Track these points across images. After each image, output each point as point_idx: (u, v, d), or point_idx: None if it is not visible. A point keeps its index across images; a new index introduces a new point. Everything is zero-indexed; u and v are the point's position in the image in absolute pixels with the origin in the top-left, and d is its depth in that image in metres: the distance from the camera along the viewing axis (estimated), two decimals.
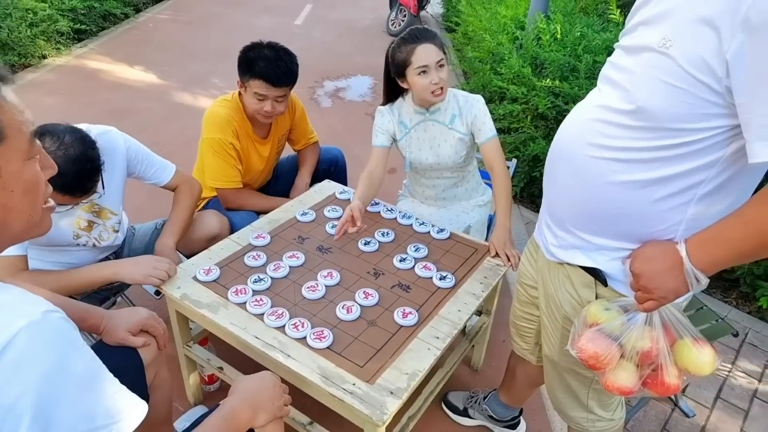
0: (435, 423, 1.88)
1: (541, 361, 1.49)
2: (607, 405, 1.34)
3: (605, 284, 1.12)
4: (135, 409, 0.80)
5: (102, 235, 1.76)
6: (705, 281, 0.93)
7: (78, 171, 1.44)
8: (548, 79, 3.11)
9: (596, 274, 1.12)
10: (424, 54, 1.75)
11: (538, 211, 3.22)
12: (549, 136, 3.12)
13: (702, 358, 1.02)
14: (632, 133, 0.96)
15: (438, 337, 1.45)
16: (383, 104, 2.00)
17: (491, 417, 1.82)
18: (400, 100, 1.97)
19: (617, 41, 1.08)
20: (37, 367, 0.67)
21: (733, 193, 0.97)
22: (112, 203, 1.76)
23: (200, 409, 1.81)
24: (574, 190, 1.09)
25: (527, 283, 1.43)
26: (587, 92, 3.28)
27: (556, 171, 1.15)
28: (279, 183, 2.41)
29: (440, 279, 1.65)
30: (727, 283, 2.66)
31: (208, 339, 1.86)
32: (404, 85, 1.86)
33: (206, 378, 1.89)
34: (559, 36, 3.49)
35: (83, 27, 5.67)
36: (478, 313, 1.97)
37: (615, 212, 1.03)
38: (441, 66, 1.78)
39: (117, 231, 1.81)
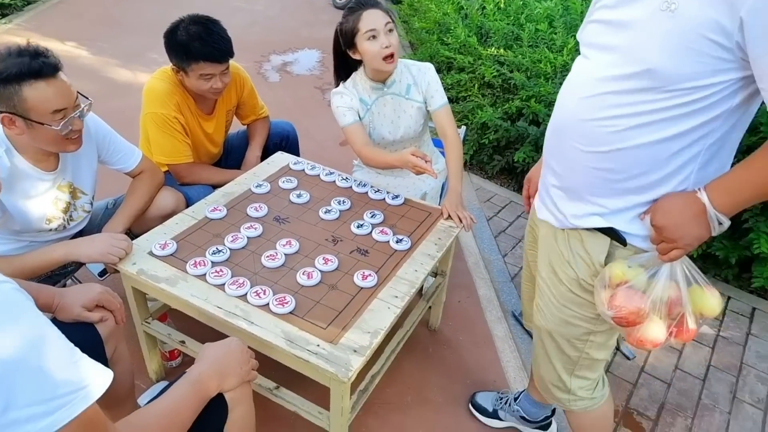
0: (461, 425, 1.83)
1: None
2: (588, 381, 1.36)
3: (625, 244, 1.14)
4: (99, 377, 0.80)
5: (73, 215, 1.71)
6: (727, 223, 0.98)
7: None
8: (493, 48, 3.18)
9: (614, 235, 1.14)
10: (371, 18, 1.76)
11: (487, 177, 3.36)
12: (495, 104, 3.21)
13: (713, 301, 1.09)
14: (643, 96, 0.98)
15: (397, 297, 1.51)
16: (336, 85, 1.99)
17: (523, 418, 1.77)
18: (353, 79, 1.96)
19: (596, 4, 1.10)
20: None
21: (734, 139, 1.03)
22: (84, 183, 1.71)
23: (163, 384, 1.81)
24: (589, 161, 1.10)
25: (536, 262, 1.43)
26: (530, 60, 3.39)
27: (565, 146, 1.16)
28: (230, 158, 2.37)
29: (397, 242, 1.70)
30: None
31: (167, 315, 1.85)
32: (356, 56, 1.85)
33: (167, 354, 1.88)
34: (502, 5, 3.56)
35: (7, 1, 5.29)
36: (434, 274, 2.04)
37: (633, 173, 1.06)
38: (390, 30, 1.79)
39: (88, 211, 1.76)
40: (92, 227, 1.86)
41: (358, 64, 1.92)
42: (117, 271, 1.67)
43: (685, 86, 0.94)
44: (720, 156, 1.04)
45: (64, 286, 1.94)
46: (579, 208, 1.18)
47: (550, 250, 1.29)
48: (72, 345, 0.79)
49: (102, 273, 1.75)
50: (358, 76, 1.95)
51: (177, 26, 1.86)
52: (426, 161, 1.70)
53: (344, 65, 1.95)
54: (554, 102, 3.06)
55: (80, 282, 2.03)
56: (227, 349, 1.15)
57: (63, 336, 0.78)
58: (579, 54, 1.19)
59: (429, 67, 1.94)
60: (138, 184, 1.83)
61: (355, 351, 1.33)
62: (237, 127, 2.42)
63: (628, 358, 2.15)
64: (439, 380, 1.99)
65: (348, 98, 1.93)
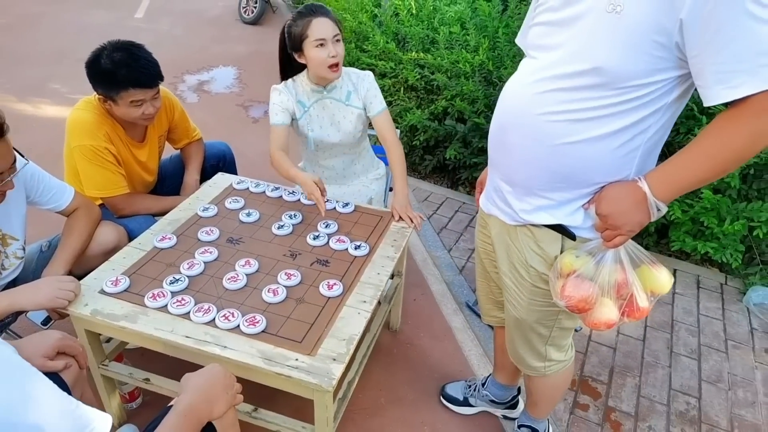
0: (436, 417, 1.89)
1: None
2: (562, 348, 1.46)
3: (573, 238, 1.21)
4: (98, 420, 0.78)
5: (4, 263, 1.58)
6: (665, 209, 1.05)
7: None
8: (413, 52, 3.29)
9: (561, 229, 1.21)
10: (321, 27, 1.78)
11: (421, 178, 3.46)
12: (421, 106, 3.32)
13: (662, 278, 1.16)
14: (591, 92, 1.04)
15: (365, 301, 1.54)
16: (279, 83, 1.99)
17: (492, 401, 1.86)
18: (294, 79, 1.97)
19: (537, 7, 1.16)
20: None
21: (667, 130, 1.11)
22: (13, 227, 1.59)
23: (128, 428, 1.72)
24: (535, 157, 1.16)
25: (492, 261, 1.48)
26: (448, 61, 3.53)
27: (510, 142, 1.20)
28: (165, 185, 2.28)
29: (355, 248, 1.73)
30: None
31: (123, 355, 1.76)
32: (302, 60, 1.86)
33: (126, 396, 1.78)
34: (414, 11, 3.68)
35: None
36: (391, 276, 2.08)
37: (578, 167, 1.12)
38: (337, 41, 1.82)
39: (20, 258, 1.63)
40: (27, 274, 1.73)
41: (302, 66, 1.92)
42: (63, 317, 1.57)
43: (629, 83, 1.00)
44: (657, 148, 1.13)
45: None
46: (527, 203, 1.23)
47: (507, 248, 1.34)
48: (63, 392, 0.76)
49: (45, 321, 1.63)
50: (299, 78, 1.96)
51: (99, 54, 1.77)
52: (323, 194, 1.77)
53: (288, 65, 1.95)
54: (477, 99, 3.20)
55: (18, 336, 1.89)
56: (211, 375, 1.13)
57: (53, 384, 0.74)
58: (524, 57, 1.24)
59: (368, 75, 1.99)
60: (74, 222, 1.73)
61: (334, 359, 1.34)
62: (168, 152, 2.34)
63: (576, 330, 2.31)
64: (408, 378, 2.03)
65: (285, 97, 1.93)
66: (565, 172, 1.14)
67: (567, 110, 1.08)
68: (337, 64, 1.83)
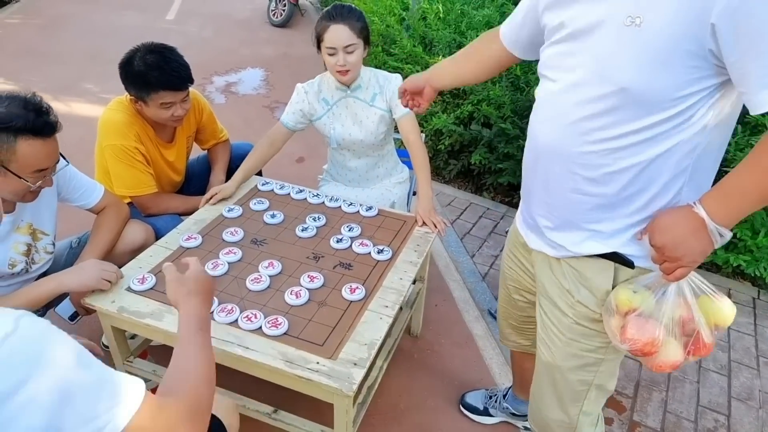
0: (455, 425, 1.87)
1: None
2: (591, 414, 1.30)
3: (632, 266, 1.08)
4: (132, 384, 0.80)
5: (34, 257, 1.63)
6: (729, 235, 0.93)
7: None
8: (440, 56, 3.28)
9: (619, 258, 1.09)
10: (334, 35, 1.80)
11: (445, 182, 3.44)
12: (447, 110, 3.30)
13: (725, 309, 1.04)
14: (621, 116, 0.95)
15: (387, 306, 1.53)
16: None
17: (513, 414, 1.83)
18: (321, 77, 2.01)
19: (547, 21, 1.06)
20: (34, 364, 0.69)
21: (720, 143, 1.00)
22: (44, 223, 1.64)
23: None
24: (580, 188, 1.06)
25: (521, 288, 1.41)
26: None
27: (548, 173, 1.11)
28: (192, 185, 2.32)
29: (378, 253, 1.72)
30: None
31: (148, 351, 1.79)
32: (323, 58, 1.91)
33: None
34: (442, 15, 3.67)
35: None
36: (413, 281, 2.07)
37: (625, 194, 1.02)
38: (350, 52, 1.83)
39: (50, 253, 1.68)
40: (56, 269, 1.77)
41: None
42: (89, 313, 1.60)
43: (663, 100, 0.91)
44: (708, 164, 1.02)
45: None
46: (575, 236, 1.12)
47: (547, 281, 1.23)
48: (97, 360, 0.79)
49: (73, 317, 1.66)
50: (326, 76, 2.00)
51: (132, 56, 1.81)
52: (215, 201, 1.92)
53: None
54: (503, 104, 3.17)
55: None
56: (197, 277, 1.07)
57: (89, 353, 0.78)
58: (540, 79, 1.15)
59: (396, 77, 1.99)
60: (103, 219, 1.76)
61: (355, 364, 1.34)
62: (195, 152, 2.37)
63: None
64: (428, 384, 2.02)
65: (302, 98, 2.00)
66: (610, 203, 1.05)
67: (602, 139, 0.99)
68: (347, 71, 1.86)
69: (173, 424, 0.83)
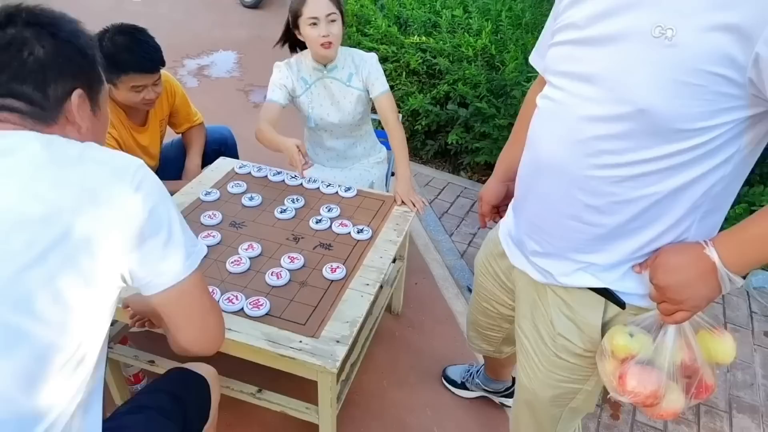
0: (437, 400, 1.92)
1: (505, 355, 1.54)
2: None
3: (623, 306, 0.98)
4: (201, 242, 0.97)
5: None
6: (739, 282, 0.84)
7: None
8: (415, 36, 3.26)
9: (608, 294, 0.99)
10: (315, 6, 1.78)
11: (422, 163, 3.45)
12: (423, 90, 3.30)
13: (726, 346, 0.95)
14: (635, 141, 0.83)
15: (368, 284, 1.55)
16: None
17: (486, 390, 1.87)
18: (299, 56, 1.99)
19: (559, 20, 0.94)
20: (158, 191, 0.86)
21: (740, 181, 0.90)
22: None
23: None
24: (578, 215, 0.95)
25: (492, 299, 1.35)
26: (450, 45, 3.47)
27: (546, 191, 0.99)
28: (167, 170, 2.28)
29: (358, 232, 1.73)
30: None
31: (128, 338, 1.77)
32: (300, 37, 1.89)
33: (131, 378, 1.80)
34: None
35: None
36: (393, 260, 2.09)
37: (630, 227, 0.92)
38: (332, 21, 1.81)
39: None
40: None
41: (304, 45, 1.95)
42: None
43: (683, 127, 0.79)
44: (723, 203, 0.92)
45: None
46: (566, 266, 1.02)
47: (532, 304, 1.14)
48: None
49: None
50: (304, 54, 1.98)
51: (101, 37, 1.76)
52: (305, 163, 1.75)
53: (292, 40, 1.98)
54: (479, 84, 3.16)
55: None
56: None
57: None
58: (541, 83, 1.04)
59: (371, 56, 1.99)
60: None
61: (337, 341, 1.35)
62: (170, 137, 2.33)
63: None
64: (410, 361, 2.05)
65: (285, 74, 1.95)
66: (611, 235, 0.94)
67: (613, 164, 0.87)
68: (330, 43, 1.83)
69: (202, 309, 0.99)
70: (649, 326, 0.96)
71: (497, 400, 1.91)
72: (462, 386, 1.93)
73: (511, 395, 1.86)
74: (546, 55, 1.01)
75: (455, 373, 1.96)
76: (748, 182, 2.46)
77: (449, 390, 1.95)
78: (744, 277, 0.91)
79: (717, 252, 0.83)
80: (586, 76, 0.87)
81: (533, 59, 1.13)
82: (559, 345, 1.08)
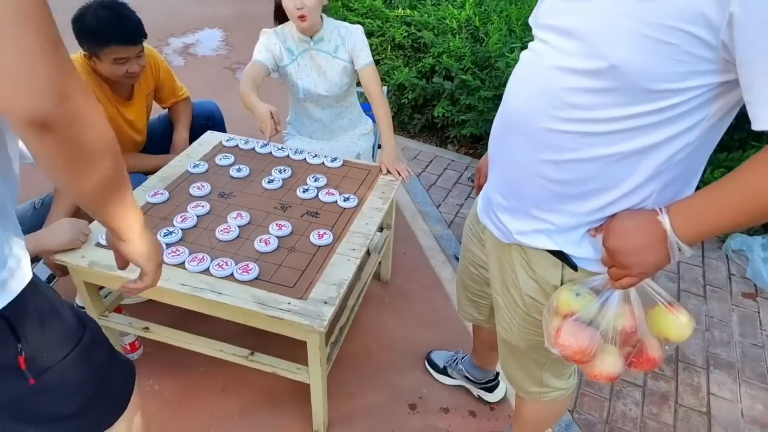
0: (418, 380, 1.92)
1: (495, 328, 1.44)
2: (562, 375, 1.28)
3: (575, 268, 1.00)
4: None
5: None
6: (689, 252, 0.83)
7: None
8: (399, 9, 3.27)
9: (563, 257, 1.01)
10: None
11: (410, 137, 3.48)
12: (409, 64, 3.31)
13: (680, 323, 0.95)
14: (605, 98, 0.82)
15: (354, 249, 1.59)
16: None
17: (467, 378, 1.82)
18: (285, 26, 2.01)
19: None
20: None
21: (703, 155, 0.89)
22: None
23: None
24: (539, 170, 0.95)
25: (477, 263, 1.34)
26: (435, 18, 3.47)
27: (513, 146, 0.99)
28: (155, 145, 2.30)
29: (344, 200, 1.77)
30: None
31: (122, 308, 1.82)
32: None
33: (128, 347, 1.85)
34: None
35: None
36: (380, 229, 2.14)
37: (588, 188, 0.92)
38: None
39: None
40: (26, 230, 1.77)
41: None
42: (66, 274, 1.62)
43: (653, 87, 0.78)
44: (686, 174, 0.91)
45: None
46: (524, 224, 1.03)
47: (501, 265, 1.16)
48: None
49: (50, 279, 1.68)
50: (289, 25, 2.00)
51: (85, 11, 1.78)
52: (275, 129, 1.78)
53: (280, 12, 2.00)
54: (464, 56, 3.18)
55: None
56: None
57: None
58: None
59: (357, 28, 2.01)
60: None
61: (325, 302, 1.40)
62: (156, 112, 2.34)
63: None
64: (399, 326, 2.11)
65: (272, 40, 1.98)
66: (568, 194, 0.94)
67: (577, 119, 0.86)
68: (305, 15, 1.85)
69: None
70: (597, 288, 0.98)
71: (476, 392, 1.86)
72: (444, 371, 1.90)
73: (491, 389, 1.84)
74: (539, 9, 1.00)
75: (439, 357, 1.93)
76: (727, 148, 2.51)
77: (430, 374, 1.93)
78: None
79: (670, 220, 0.83)
80: (568, 30, 0.86)
81: (531, 18, 1.10)
82: (529, 304, 1.11)
